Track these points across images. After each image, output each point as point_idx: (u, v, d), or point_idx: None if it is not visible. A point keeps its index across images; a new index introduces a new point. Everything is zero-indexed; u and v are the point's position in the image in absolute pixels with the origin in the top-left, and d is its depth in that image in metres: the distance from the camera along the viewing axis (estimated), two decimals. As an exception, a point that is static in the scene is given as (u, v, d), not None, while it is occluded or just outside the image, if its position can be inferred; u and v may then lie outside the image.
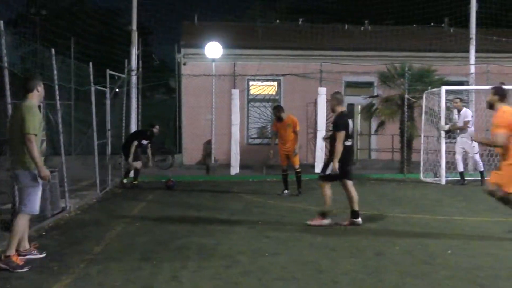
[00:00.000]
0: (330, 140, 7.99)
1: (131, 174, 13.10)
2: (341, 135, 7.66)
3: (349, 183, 7.94)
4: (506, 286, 5.02)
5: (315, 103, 16.85)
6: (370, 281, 5.16)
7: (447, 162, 13.53)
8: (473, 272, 5.45)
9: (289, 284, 5.07)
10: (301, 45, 18.60)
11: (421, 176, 14.23)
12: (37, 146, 5.75)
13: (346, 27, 19.88)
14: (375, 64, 17.06)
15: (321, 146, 15.51)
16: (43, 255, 6.08)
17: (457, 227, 7.81)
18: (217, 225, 7.97)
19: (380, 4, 20.69)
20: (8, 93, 7.12)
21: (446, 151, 13.44)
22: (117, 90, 14.54)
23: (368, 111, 16.57)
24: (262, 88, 19.10)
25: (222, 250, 6.40)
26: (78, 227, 7.95)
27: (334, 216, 8.05)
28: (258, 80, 18.69)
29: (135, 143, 12.58)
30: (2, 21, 7.08)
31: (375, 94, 17.43)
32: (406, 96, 15.10)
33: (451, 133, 13.67)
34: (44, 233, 7.46)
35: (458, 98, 13.60)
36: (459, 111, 13.26)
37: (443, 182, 13.33)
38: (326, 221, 7.81)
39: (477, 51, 16.59)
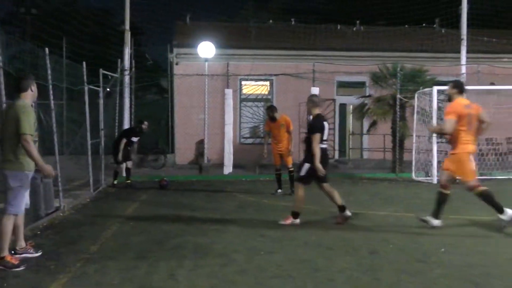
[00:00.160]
0: (306, 142, 8.10)
1: (123, 173, 13.10)
2: (316, 137, 7.76)
3: (325, 185, 8.01)
4: (499, 283, 5.09)
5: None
6: (366, 279, 5.21)
7: (438, 162, 13.62)
8: (466, 270, 5.52)
9: (285, 282, 5.11)
10: (294, 45, 18.69)
11: (413, 176, 14.35)
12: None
13: (338, 27, 19.97)
14: (367, 64, 17.17)
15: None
16: (39, 253, 6.08)
17: (450, 226, 7.88)
18: (211, 224, 8.00)
19: (372, 5, 20.79)
20: (2, 92, 7.11)
21: (437, 150, 13.56)
22: (108, 89, 14.52)
23: (360, 111, 16.66)
24: (254, 88, 19.16)
25: (217, 249, 6.43)
26: (73, 226, 7.95)
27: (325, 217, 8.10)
28: (251, 80, 18.74)
29: (124, 140, 12.59)
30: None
31: (367, 94, 17.53)
32: (398, 96, 15.22)
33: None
34: (39, 232, 7.45)
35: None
36: None
37: (435, 181, 13.41)
38: (297, 221, 7.88)
39: (468, 51, 16.73)
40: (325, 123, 8.05)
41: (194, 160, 18.22)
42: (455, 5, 17.64)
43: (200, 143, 17.64)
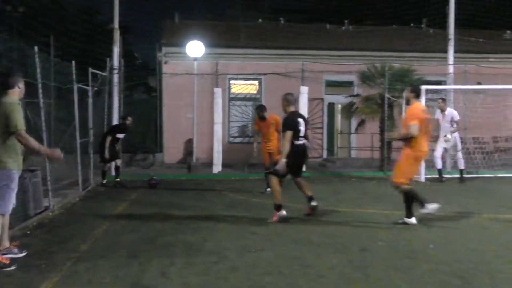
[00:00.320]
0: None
1: (112, 172, 13.06)
2: (287, 134, 7.95)
3: (299, 179, 8.35)
4: (485, 278, 5.18)
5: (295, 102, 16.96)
6: (356, 276, 5.28)
7: (426, 160, 13.75)
8: (454, 265, 5.61)
9: (277, 279, 5.16)
10: (283, 44, 18.74)
11: (401, 174, 14.43)
12: (18, 143, 5.71)
13: (327, 27, 20.06)
14: (355, 63, 17.27)
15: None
16: (24, 254, 6.01)
17: (437, 223, 7.98)
18: (202, 222, 8.02)
19: (361, 5, 20.92)
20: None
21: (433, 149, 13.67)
22: (95, 88, 14.47)
23: (348, 110, 16.75)
24: (243, 87, 19.19)
25: (208, 246, 6.46)
26: (63, 225, 7.94)
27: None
28: (240, 79, 18.76)
29: (109, 138, 12.56)
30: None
31: (355, 93, 17.63)
32: (386, 95, 15.33)
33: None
34: (28, 232, 7.42)
35: (441, 98, 13.84)
36: (442, 110, 13.48)
37: (422, 179, 13.56)
38: (283, 213, 8.02)
39: (455, 51, 16.88)
40: (301, 120, 8.21)
41: (182, 159, 18.20)
42: (443, 5, 17.80)
43: (189, 142, 17.63)
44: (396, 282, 5.06)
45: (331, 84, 19.16)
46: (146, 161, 17.68)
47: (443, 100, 13.80)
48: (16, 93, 5.95)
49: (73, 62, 11.37)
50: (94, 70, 13.15)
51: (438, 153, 13.40)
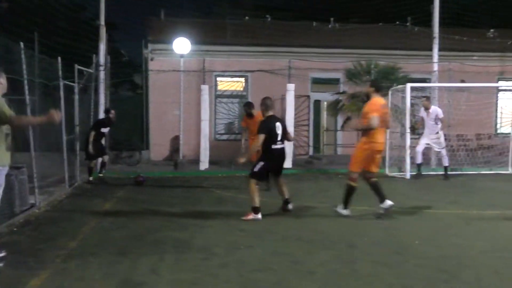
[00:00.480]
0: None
1: (98, 168, 13.03)
2: (260, 137, 8.12)
3: (279, 180, 8.55)
4: (471, 273, 5.28)
5: (282, 99, 17.02)
6: (345, 271, 5.34)
7: (411, 157, 13.91)
8: (440, 261, 5.70)
9: (267, 275, 5.20)
10: (269, 41, 18.75)
11: (387, 171, 14.58)
12: (2, 139, 5.64)
13: (314, 24, 20.13)
14: (341, 61, 17.38)
15: (288, 145, 15.69)
16: (2, 254, 5.80)
17: (423, 219, 8.11)
18: (190, 219, 8.04)
19: (346, 2, 21.01)
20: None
21: (410, 146, 13.82)
22: (81, 85, 14.38)
23: (334, 107, 16.84)
24: (229, 84, 19.19)
25: (198, 243, 6.49)
26: (50, 223, 7.89)
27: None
28: (226, 76, 18.76)
29: (93, 133, 12.51)
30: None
31: (341, 91, 17.73)
32: (372, 93, 15.41)
33: (416, 130, 14.04)
34: (15, 229, 7.38)
35: (425, 96, 13.97)
36: (426, 109, 13.61)
37: (408, 176, 13.71)
38: (258, 216, 8.00)
39: (440, 49, 17.07)
40: (278, 124, 8.31)
41: (169, 156, 18.17)
42: (427, 4, 17.97)
43: (175, 139, 17.60)
44: (384, 277, 5.13)
45: (317, 82, 19.24)
46: (132, 158, 17.61)
47: (427, 98, 13.94)
48: None
49: (59, 58, 11.28)
50: (80, 67, 13.07)
51: (420, 148, 13.56)
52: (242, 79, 19.06)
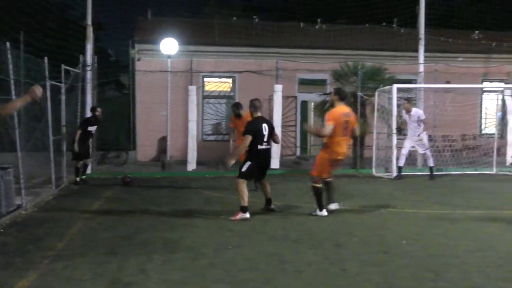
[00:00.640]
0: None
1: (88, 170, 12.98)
2: (246, 138, 8.25)
3: (263, 181, 8.72)
4: (457, 272, 5.35)
5: (269, 99, 17.07)
6: (333, 270, 5.39)
7: (398, 158, 14.02)
8: (427, 260, 5.77)
9: (255, 274, 5.24)
10: (257, 42, 18.80)
11: (373, 171, 14.69)
12: None
13: (301, 25, 20.20)
14: (328, 62, 17.47)
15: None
16: None
17: (410, 219, 8.19)
18: (179, 219, 8.05)
19: (333, 4, 21.11)
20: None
21: (397, 147, 13.93)
22: (66, 85, 14.30)
23: (321, 108, 16.89)
24: (217, 84, 19.20)
25: (186, 243, 6.50)
26: (37, 224, 7.85)
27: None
28: (214, 76, 18.77)
29: (79, 132, 12.47)
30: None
31: (328, 92, 17.82)
32: (359, 93, 15.54)
33: (403, 130, 14.16)
34: (2, 230, 7.35)
35: (406, 99, 14.05)
36: (408, 111, 13.72)
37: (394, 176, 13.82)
38: (247, 215, 8.09)
39: (425, 50, 17.22)
40: (265, 125, 8.45)
41: (156, 157, 18.13)
42: (413, 6, 18.13)
43: (162, 140, 17.57)
44: (371, 276, 5.18)
45: (304, 82, 19.32)
46: (119, 158, 17.55)
47: (408, 101, 14.00)
48: None
49: (46, 58, 11.22)
50: (67, 67, 13.00)
51: (405, 151, 13.68)
52: (230, 80, 19.09)
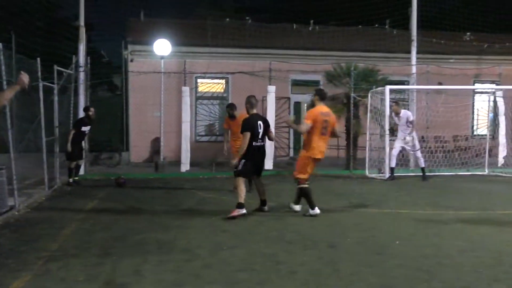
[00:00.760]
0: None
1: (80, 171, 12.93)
2: (246, 135, 8.39)
3: (258, 181, 8.81)
4: (450, 272, 5.39)
5: (263, 100, 17.09)
6: (327, 271, 5.41)
7: (399, 159, 14.11)
8: (420, 260, 5.81)
9: (250, 275, 5.25)
10: (250, 43, 18.83)
11: (367, 172, 14.75)
12: None
13: (294, 27, 20.25)
14: (321, 63, 17.52)
15: (270, 143, 15.75)
16: None
17: (403, 220, 8.23)
18: (173, 220, 8.04)
19: (326, 5, 21.17)
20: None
21: (390, 148, 13.99)
22: (58, 86, 14.26)
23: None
24: (210, 86, 19.20)
25: (180, 244, 6.50)
26: (31, 225, 7.83)
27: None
28: (207, 78, 18.77)
29: (72, 132, 12.43)
30: None
31: (320, 93, 17.84)
32: (352, 94, 15.60)
33: (396, 131, 14.22)
34: (-5, 231, 7.32)
35: (394, 102, 14.07)
36: (397, 113, 13.78)
37: (386, 177, 13.88)
38: (243, 210, 8.26)
39: (418, 52, 17.32)
40: (260, 122, 8.61)
41: (149, 158, 18.10)
42: (405, 7, 18.22)
43: (156, 141, 17.53)
44: (365, 277, 5.21)
45: (297, 83, 19.36)
46: (112, 160, 17.52)
47: (397, 103, 14.03)
48: None
49: (38, 59, 11.18)
50: (60, 68, 12.96)
51: (395, 152, 13.75)
52: (223, 81, 19.10)
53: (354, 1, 20.83)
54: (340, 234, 7.11)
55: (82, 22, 15.68)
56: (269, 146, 15.95)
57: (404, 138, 13.55)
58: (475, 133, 19.39)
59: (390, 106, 14.22)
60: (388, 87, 14.19)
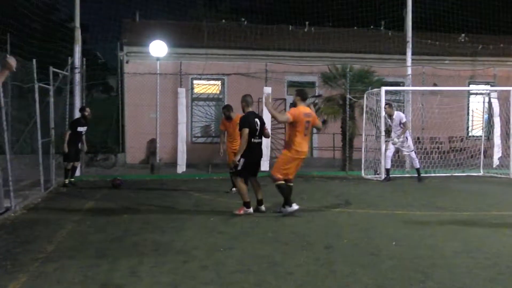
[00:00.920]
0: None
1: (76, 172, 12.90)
2: (244, 132, 8.52)
3: (254, 180, 8.90)
4: (445, 273, 5.40)
5: (259, 102, 17.10)
6: (323, 272, 5.43)
7: (395, 161, 14.15)
8: (416, 261, 5.83)
9: (247, 276, 5.26)
10: (246, 45, 18.85)
11: (363, 173, 14.79)
12: None
13: (289, 28, 20.29)
14: (317, 64, 17.56)
15: (266, 144, 15.78)
16: None
17: (399, 221, 8.25)
18: (169, 222, 8.04)
19: (321, 7, 21.21)
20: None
21: (386, 149, 14.03)
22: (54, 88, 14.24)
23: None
24: (206, 87, 19.21)
25: (177, 246, 6.50)
26: (27, 226, 7.81)
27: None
28: (203, 79, 18.78)
29: (68, 132, 12.42)
30: None
31: (317, 94, 17.88)
32: (348, 96, 15.64)
33: (391, 132, 14.25)
34: (-9, 233, 7.30)
35: (387, 104, 14.11)
36: (390, 115, 13.83)
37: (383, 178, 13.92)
38: (250, 210, 8.55)
39: (413, 53, 17.37)
40: (257, 120, 8.79)
41: (145, 159, 18.09)
42: (400, 9, 18.29)
43: (151, 142, 17.53)
44: (361, 278, 5.23)
45: (293, 85, 19.35)
46: (108, 161, 17.49)
47: (389, 105, 14.07)
48: None
49: (34, 60, 11.17)
50: (55, 69, 12.94)
51: (390, 153, 13.80)
52: (219, 82, 19.11)
53: (349, 3, 20.88)
54: (336, 235, 7.13)
55: (77, 23, 15.67)
56: (265, 147, 16.01)
57: (393, 139, 13.61)
58: (470, 134, 19.47)
59: (384, 108, 14.27)
60: (383, 88, 14.24)
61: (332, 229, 7.60)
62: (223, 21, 20.64)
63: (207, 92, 19.20)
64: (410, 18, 17.29)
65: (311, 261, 5.82)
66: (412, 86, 17.24)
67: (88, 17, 21.39)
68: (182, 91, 16.03)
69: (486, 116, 16.98)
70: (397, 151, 14.24)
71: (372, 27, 20.70)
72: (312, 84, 19.03)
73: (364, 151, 15.07)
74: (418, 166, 13.84)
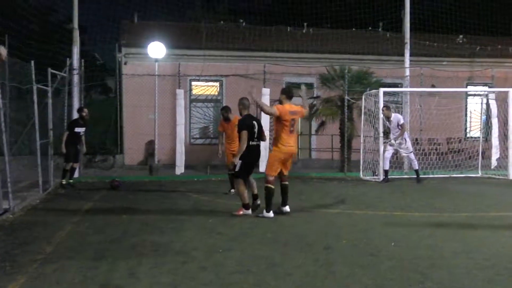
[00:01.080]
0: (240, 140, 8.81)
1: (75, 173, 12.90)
2: (242, 134, 8.60)
3: (249, 178, 8.97)
4: (444, 273, 5.41)
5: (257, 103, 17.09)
6: (322, 273, 5.43)
7: (393, 162, 14.17)
8: (414, 262, 5.83)
9: (246, 277, 5.26)
10: (244, 46, 18.86)
11: (361, 175, 14.79)
12: None
13: (288, 29, 20.30)
14: (315, 65, 17.57)
15: (264, 145, 15.77)
16: None
17: (397, 222, 8.26)
18: (168, 223, 8.04)
19: (319, 8, 21.25)
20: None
21: (384, 150, 14.04)
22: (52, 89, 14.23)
23: (308, 111, 16.96)
24: (204, 88, 19.21)
25: (176, 247, 6.50)
26: (25, 227, 7.80)
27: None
28: (201, 80, 18.78)
29: (66, 133, 12.41)
30: None
31: (315, 95, 17.91)
32: (346, 97, 15.66)
33: (389, 134, 14.26)
34: (-11, 234, 7.29)
35: (385, 106, 14.11)
36: (387, 117, 13.83)
37: (381, 179, 13.92)
38: (249, 211, 8.61)
39: (411, 55, 17.40)
40: (255, 122, 8.84)
41: (143, 160, 18.08)
42: (398, 10, 18.32)
43: (150, 143, 17.52)
44: (360, 278, 5.23)
45: (292, 86, 19.34)
46: (106, 162, 17.49)
47: (387, 108, 14.06)
48: None
49: (32, 62, 11.16)
50: (54, 71, 12.94)
51: (388, 154, 13.81)
52: (217, 84, 19.11)
53: (347, 4, 20.91)
54: (335, 236, 7.13)
55: (76, 24, 15.68)
56: (264, 148, 16.01)
57: (390, 140, 13.63)
58: (468, 135, 19.49)
59: (382, 111, 14.28)
60: (382, 90, 14.26)
61: (331, 230, 7.61)
62: (222, 22, 20.64)
63: (205, 93, 19.20)
64: (408, 20, 17.31)
65: (310, 262, 5.82)
66: (410, 87, 17.26)
67: (86, 18, 21.42)
68: (180, 93, 16.04)
69: (484, 117, 17.01)
70: (396, 152, 14.26)
71: (370, 28, 20.72)
72: (310, 86, 19.02)
73: (363, 152, 15.07)
74: (416, 167, 13.86)
